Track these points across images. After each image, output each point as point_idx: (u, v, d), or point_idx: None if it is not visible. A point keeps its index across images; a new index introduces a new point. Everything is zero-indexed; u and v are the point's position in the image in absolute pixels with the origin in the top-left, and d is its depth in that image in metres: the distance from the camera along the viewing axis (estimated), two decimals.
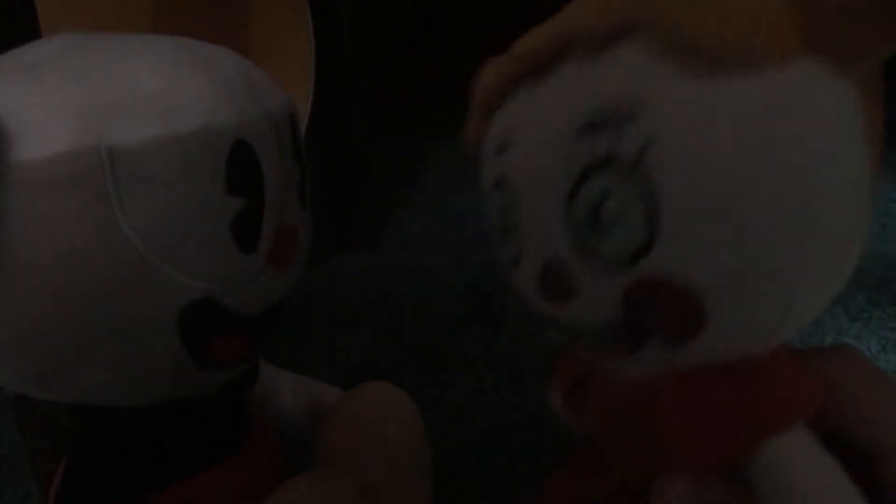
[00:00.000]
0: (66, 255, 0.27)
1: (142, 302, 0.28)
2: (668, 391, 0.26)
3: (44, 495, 0.43)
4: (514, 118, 0.28)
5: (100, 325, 0.28)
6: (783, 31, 0.22)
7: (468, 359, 0.62)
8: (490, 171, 0.29)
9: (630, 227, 0.23)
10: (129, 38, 0.31)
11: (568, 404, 0.31)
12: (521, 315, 0.30)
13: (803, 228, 0.23)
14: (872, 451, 0.25)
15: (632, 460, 0.28)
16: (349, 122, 0.78)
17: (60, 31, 0.32)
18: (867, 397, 0.26)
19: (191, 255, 0.29)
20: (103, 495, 0.33)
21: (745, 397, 0.25)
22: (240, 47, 0.34)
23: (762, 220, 0.22)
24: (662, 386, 0.26)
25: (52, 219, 0.26)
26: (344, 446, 0.38)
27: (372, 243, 0.80)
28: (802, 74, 0.22)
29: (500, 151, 0.28)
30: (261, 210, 0.31)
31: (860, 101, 0.23)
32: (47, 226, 0.26)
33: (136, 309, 0.28)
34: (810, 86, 0.22)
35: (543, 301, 0.27)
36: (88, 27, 0.32)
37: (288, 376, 0.45)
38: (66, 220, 0.26)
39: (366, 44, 0.79)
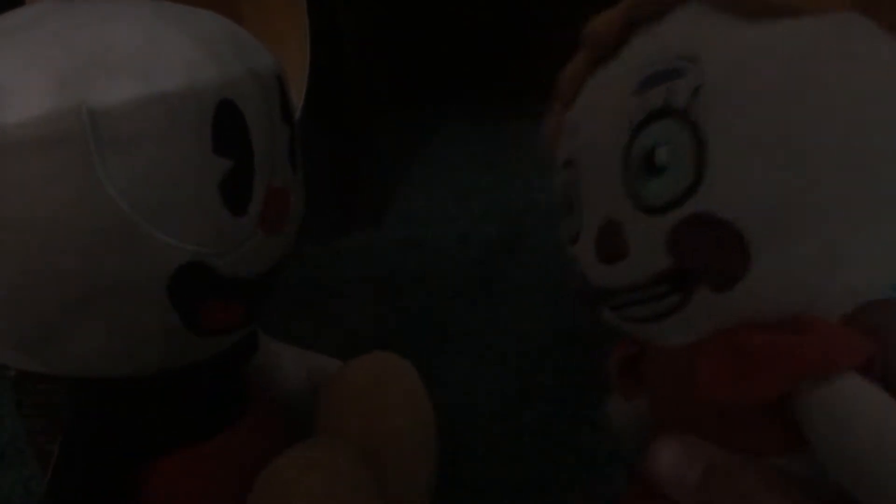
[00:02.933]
0: (50, 218, 0.26)
1: (129, 265, 0.28)
2: (707, 348, 0.26)
3: (45, 475, 0.42)
4: (583, 101, 0.29)
5: (86, 289, 0.27)
6: None
7: (474, 332, 0.62)
8: (561, 154, 0.31)
9: (678, 169, 0.24)
10: (108, 1, 0.31)
11: (622, 379, 0.31)
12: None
13: (847, 169, 0.23)
14: None
15: (682, 430, 0.28)
16: (351, 100, 0.77)
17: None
18: None
19: (179, 217, 0.28)
20: (102, 466, 0.32)
21: (780, 340, 0.24)
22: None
23: (803, 157, 0.23)
24: (706, 344, 0.26)
25: (34, 182, 0.26)
26: (344, 414, 0.38)
27: (376, 220, 0.80)
28: (847, 21, 0.23)
29: (571, 135, 0.29)
30: (250, 171, 0.31)
31: None
32: (29, 189, 0.26)
33: (124, 273, 0.28)
34: (850, 32, 0.23)
35: (600, 266, 0.28)
36: None
37: (290, 349, 0.45)
38: (48, 183, 0.26)
39: (366, 21, 0.79)
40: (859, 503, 0.22)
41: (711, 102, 0.24)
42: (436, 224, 0.78)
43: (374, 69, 0.81)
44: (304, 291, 0.67)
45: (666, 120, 0.25)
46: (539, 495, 0.46)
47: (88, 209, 0.26)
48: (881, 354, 0.24)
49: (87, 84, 0.26)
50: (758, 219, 0.23)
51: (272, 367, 0.43)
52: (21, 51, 0.27)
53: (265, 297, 0.35)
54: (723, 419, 0.26)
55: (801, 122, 0.23)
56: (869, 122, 0.23)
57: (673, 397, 0.28)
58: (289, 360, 0.44)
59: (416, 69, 0.94)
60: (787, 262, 0.24)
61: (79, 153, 0.26)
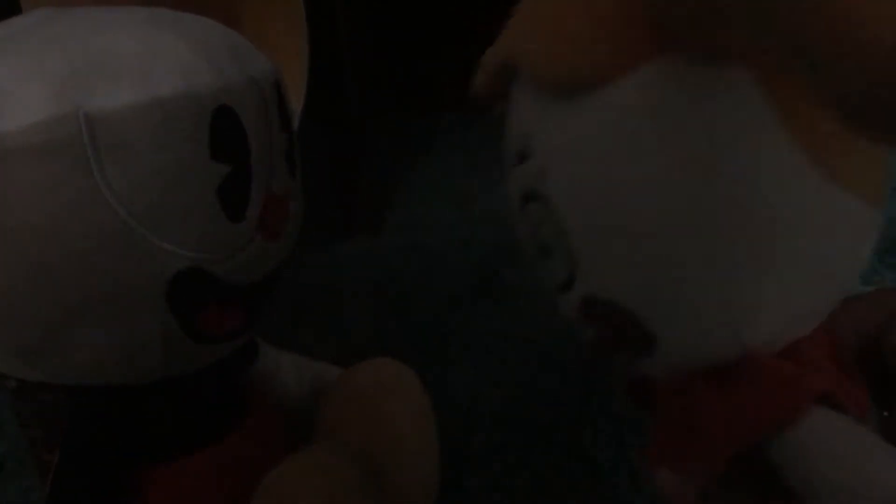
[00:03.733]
0: (48, 225, 0.26)
1: (128, 272, 0.27)
2: (664, 402, 0.26)
3: (45, 486, 0.42)
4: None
5: (84, 296, 0.27)
6: (628, 39, 0.22)
7: (476, 337, 0.61)
8: None
9: (558, 253, 0.25)
10: (105, 8, 0.31)
11: (633, 393, 0.31)
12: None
13: (710, 229, 0.22)
14: None
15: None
16: (350, 106, 0.77)
17: (40, 8, 0.31)
18: None
19: (177, 223, 0.28)
20: (101, 474, 0.32)
21: (732, 402, 0.24)
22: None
23: (661, 231, 0.22)
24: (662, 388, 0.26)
25: (31, 188, 0.26)
26: (346, 421, 0.38)
27: (376, 226, 0.79)
28: (655, 75, 0.21)
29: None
30: (248, 177, 0.31)
31: (765, 96, 0.21)
32: (26, 196, 0.26)
33: (123, 279, 0.28)
34: (665, 84, 0.21)
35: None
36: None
37: (290, 356, 0.45)
38: (45, 190, 0.26)
39: (366, 27, 0.79)
40: None
41: (556, 187, 0.23)
42: (436, 230, 0.78)
43: (373, 75, 0.81)
44: (305, 298, 0.67)
45: (534, 203, 0.25)
46: (542, 502, 0.46)
47: (86, 215, 0.26)
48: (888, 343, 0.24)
49: (85, 90, 0.26)
50: (640, 298, 0.23)
51: (272, 374, 0.43)
52: (18, 58, 0.27)
53: (264, 304, 0.35)
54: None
55: (644, 195, 0.22)
56: (712, 167, 0.21)
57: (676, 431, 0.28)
58: (289, 368, 0.44)
59: (416, 75, 0.94)
60: (691, 328, 0.23)
61: (76, 160, 0.26)
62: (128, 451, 0.33)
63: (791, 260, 0.23)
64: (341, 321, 0.65)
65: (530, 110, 0.25)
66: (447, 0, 0.93)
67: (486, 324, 0.63)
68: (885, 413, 0.27)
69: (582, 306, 0.25)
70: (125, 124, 0.26)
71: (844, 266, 0.24)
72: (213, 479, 0.34)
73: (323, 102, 0.71)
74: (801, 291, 0.24)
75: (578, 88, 0.22)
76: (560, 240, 0.24)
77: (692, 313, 0.23)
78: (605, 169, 0.22)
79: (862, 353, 0.26)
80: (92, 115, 0.26)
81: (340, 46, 0.73)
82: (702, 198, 0.21)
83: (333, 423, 0.38)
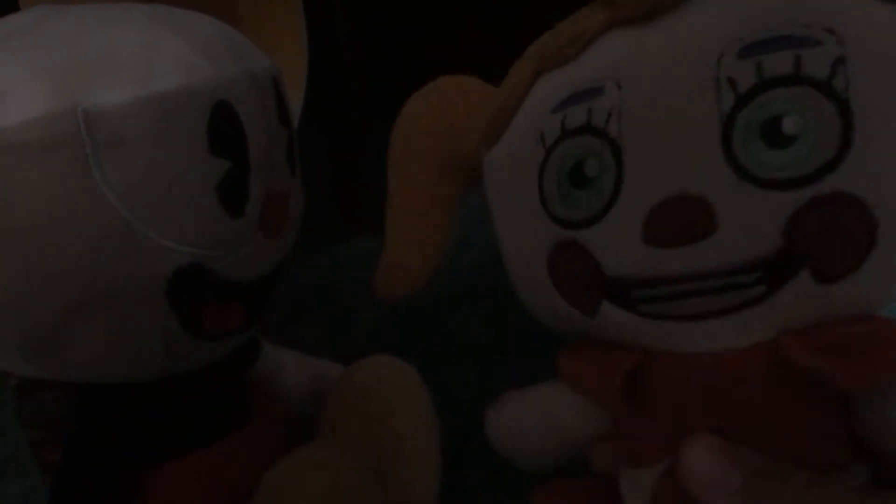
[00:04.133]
0: (47, 221, 0.26)
1: (127, 268, 0.27)
2: (788, 339, 0.24)
3: (47, 486, 0.42)
4: (614, 61, 0.26)
5: (84, 292, 0.27)
6: None
7: (476, 335, 0.61)
8: (553, 123, 0.27)
9: (816, 141, 0.22)
10: (103, 5, 0.31)
11: (627, 390, 0.28)
12: None
13: None
14: None
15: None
16: (350, 105, 0.77)
17: (38, 5, 0.31)
18: None
19: (176, 219, 0.28)
20: (104, 472, 0.32)
21: (875, 329, 0.23)
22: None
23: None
24: (753, 356, 0.25)
25: (31, 185, 0.26)
26: (347, 418, 0.38)
27: (376, 227, 0.79)
28: None
29: (584, 97, 0.26)
30: (247, 173, 0.31)
31: None
32: (26, 192, 0.26)
33: (122, 275, 0.27)
34: None
35: (648, 251, 0.25)
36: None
37: (292, 355, 0.45)
38: (44, 186, 0.26)
39: (365, 25, 0.79)
40: None
41: (860, 78, 0.22)
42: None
43: (374, 75, 0.81)
44: (306, 298, 0.67)
45: (797, 88, 0.22)
46: None
47: (85, 212, 0.26)
48: None
49: (83, 87, 0.26)
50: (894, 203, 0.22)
51: (274, 372, 0.43)
52: (17, 55, 0.27)
53: (266, 302, 0.35)
54: (766, 428, 0.25)
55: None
56: None
57: (703, 409, 0.26)
58: (291, 366, 0.44)
59: (416, 74, 0.94)
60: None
61: (75, 156, 0.26)
62: (130, 451, 0.33)
63: None
64: (342, 321, 0.65)
65: (604, 51, 0.25)
66: (450, 6, 0.93)
67: (487, 322, 0.63)
68: None
69: (812, 203, 0.22)
70: (123, 120, 0.26)
71: None
72: (215, 477, 0.34)
73: (323, 103, 0.71)
74: None
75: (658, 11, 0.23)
76: (831, 129, 0.22)
77: None
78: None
79: None
80: (90, 111, 0.26)
81: (340, 46, 0.73)
82: None
83: (334, 421, 0.38)
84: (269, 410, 0.39)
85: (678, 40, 0.25)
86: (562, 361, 0.30)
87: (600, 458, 0.33)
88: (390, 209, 0.36)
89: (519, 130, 0.29)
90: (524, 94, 0.29)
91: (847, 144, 0.22)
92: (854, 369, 0.22)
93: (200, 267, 0.29)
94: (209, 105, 0.29)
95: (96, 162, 0.26)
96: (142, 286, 0.28)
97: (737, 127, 0.23)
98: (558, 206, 0.27)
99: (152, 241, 0.27)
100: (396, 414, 0.38)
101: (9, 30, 0.28)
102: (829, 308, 0.23)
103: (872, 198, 0.22)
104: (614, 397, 0.27)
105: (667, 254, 0.24)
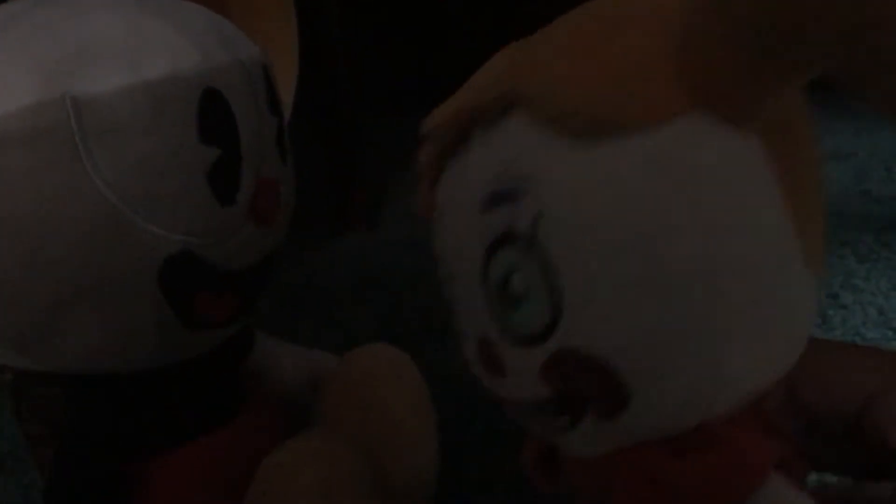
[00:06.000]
0: (37, 210, 0.26)
1: (119, 256, 0.27)
2: (622, 472, 0.25)
3: (44, 481, 0.42)
4: (442, 190, 0.27)
5: (77, 281, 0.27)
6: (664, 90, 0.21)
7: None
8: (435, 244, 0.29)
9: (536, 302, 0.23)
10: None
11: (540, 470, 0.30)
12: None
13: (707, 293, 0.21)
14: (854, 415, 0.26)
15: None
16: (341, 103, 0.77)
17: None
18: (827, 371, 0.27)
19: (166, 207, 0.28)
20: (100, 463, 0.32)
21: (693, 467, 0.24)
22: None
23: (659, 288, 0.21)
24: (618, 462, 0.25)
25: (21, 173, 0.26)
26: (344, 408, 0.38)
27: (371, 222, 0.79)
28: (685, 131, 0.21)
29: (438, 226, 0.28)
30: (238, 160, 0.31)
31: (767, 151, 0.21)
32: (15, 181, 0.26)
33: (114, 263, 0.28)
34: (694, 141, 0.21)
35: (487, 376, 0.27)
36: None
37: (287, 346, 0.45)
38: (34, 175, 0.26)
39: (358, 21, 0.79)
40: None
41: (556, 231, 0.22)
42: (430, 223, 0.78)
43: (367, 70, 0.81)
44: (302, 292, 0.67)
45: (512, 247, 0.23)
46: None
47: (75, 200, 0.26)
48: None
49: (72, 75, 0.26)
50: (627, 357, 0.22)
51: (270, 364, 0.42)
52: (6, 44, 0.27)
53: (258, 291, 0.35)
54: None
55: (650, 249, 0.21)
56: (724, 239, 0.21)
57: (596, 498, 0.27)
58: (286, 358, 0.44)
59: (408, 69, 0.94)
60: (670, 393, 0.23)
61: (64, 144, 0.26)
62: (126, 442, 0.33)
63: (765, 329, 0.23)
64: (339, 314, 0.65)
65: (527, 152, 0.23)
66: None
67: None
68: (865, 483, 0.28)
69: (551, 360, 0.23)
70: (112, 108, 0.26)
71: (802, 331, 0.24)
72: (210, 466, 0.34)
73: (317, 98, 0.71)
74: (769, 357, 0.24)
75: (603, 134, 0.21)
76: (543, 288, 0.22)
77: (676, 376, 0.22)
78: (620, 218, 0.21)
79: (846, 431, 0.26)
80: (79, 99, 0.26)
81: (333, 41, 0.73)
82: (704, 260, 0.21)
83: (330, 410, 0.38)
84: (264, 401, 0.39)
85: (458, 179, 0.26)
86: None
87: None
88: None
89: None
90: None
91: (558, 306, 0.22)
92: None
93: (192, 255, 0.29)
94: (198, 92, 0.29)
95: (86, 150, 0.26)
96: (133, 274, 0.28)
97: (489, 283, 0.24)
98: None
99: (143, 228, 0.27)
100: (393, 402, 0.38)
101: None
102: (640, 430, 0.24)
103: (600, 354, 0.22)
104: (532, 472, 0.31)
105: (492, 381, 0.26)
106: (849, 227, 0.66)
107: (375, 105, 0.84)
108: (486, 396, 0.51)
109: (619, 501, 0.26)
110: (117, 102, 0.26)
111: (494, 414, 0.50)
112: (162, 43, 0.28)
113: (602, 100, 0.21)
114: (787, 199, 0.22)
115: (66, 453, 0.33)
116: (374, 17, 0.88)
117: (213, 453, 0.34)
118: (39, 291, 0.27)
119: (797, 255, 0.22)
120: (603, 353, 0.22)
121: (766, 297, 0.22)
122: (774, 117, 0.21)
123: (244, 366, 0.39)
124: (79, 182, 0.26)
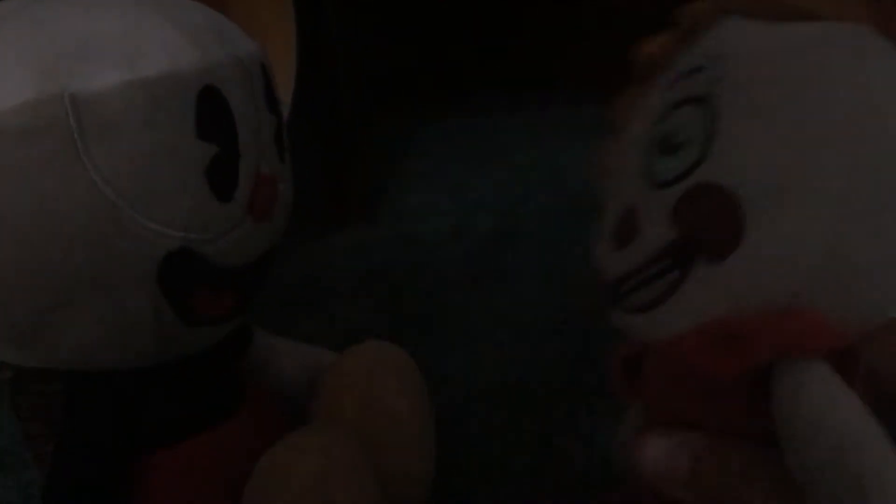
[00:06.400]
0: (35, 207, 0.26)
1: (117, 253, 0.28)
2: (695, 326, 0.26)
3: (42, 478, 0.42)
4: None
5: (75, 278, 0.27)
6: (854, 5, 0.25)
7: (470, 323, 0.61)
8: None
9: (690, 147, 0.26)
10: None
11: (620, 380, 0.31)
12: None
13: (847, 166, 0.23)
14: None
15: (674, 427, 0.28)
16: (340, 96, 0.77)
17: None
18: None
19: (165, 204, 0.28)
20: (98, 460, 0.32)
21: (760, 319, 0.24)
22: None
23: (808, 142, 0.24)
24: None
25: (18, 170, 0.26)
26: (341, 404, 0.38)
27: (369, 217, 0.80)
28: (858, 34, 0.25)
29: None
30: (236, 157, 0.31)
31: None
32: (13, 178, 0.26)
33: (113, 260, 0.28)
34: (864, 41, 0.24)
35: (615, 255, 0.28)
36: None
37: (285, 342, 0.45)
38: (32, 171, 0.26)
39: (355, 17, 0.79)
40: None
41: (729, 88, 0.25)
42: (429, 218, 0.78)
43: (363, 65, 0.80)
44: (299, 288, 0.67)
45: (686, 107, 0.26)
46: (539, 481, 0.46)
47: (73, 197, 0.26)
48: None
49: (70, 72, 0.26)
50: (756, 189, 0.24)
51: (268, 360, 0.43)
52: (3, 40, 0.27)
53: (256, 287, 0.35)
54: (712, 410, 0.26)
55: (807, 110, 0.24)
56: (873, 127, 0.23)
57: (666, 393, 0.28)
58: (284, 354, 0.44)
59: (406, 64, 0.94)
60: (779, 238, 0.24)
61: (62, 141, 0.26)
62: (124, 438, 0.33)
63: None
64: (336, 310, 0.65)
65: (720, 38, 0.27)
66: None
67: (481, 309, 0.63)
68: None
69: (685, 196, 0.26)
70: (111, 105, 0.26)
71: None
72: (209, 464, 0.34)
73: (313, 94, 0.71)
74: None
75: (790, 18, 0.25)
76: (701, 133, 0.25)
77: (796, 225, 0.24)
78: (789, 75, 0.24)
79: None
80: (77, 96, 0.26)
81: (331, 37, 0.73)
82: (861, 143, 0.23)
83: (328, 406, 0.38)
84: (262, 397, 0.39)
85: (654, 89, 0.30)
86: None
87: None
88: None
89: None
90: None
91: (710, 138, 0.25)
92: (726, 362, 0.24)
93: (191, 251, 0.29)
94: (196, 89, 0.29)
95: (84, 147, 0.26)
96: (131, 271, 0.28)
97: (652, 144, 0.27)
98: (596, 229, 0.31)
99: (142, 225, 0.28)
100: (390, 398, 0.38)
101: None
102: (738, 285, 0.25)
103: (732, 185, 0.25)
104: (618, 385, 0.30)
105: (618, 255, 0.28)
106: None
107: (374, 101, 0.84)
108: (485, 392, 0.51)
109: (685, 348, 0.26)
110: (115, 99, 0.26)
111: (492, 411, 0.51)
112: (160, 40, 0.28)
113: None
114: None
115: (65, 450, 0.33)
116: (373, 14, 0.88)
117: (212, 450, 0.34)
118: (37, 287, 0.27)
119: None
120: (733, 183, 0.24)
121: None
122: None
123: (242, 362, 0.39)
124: (77, 179, 0.26)
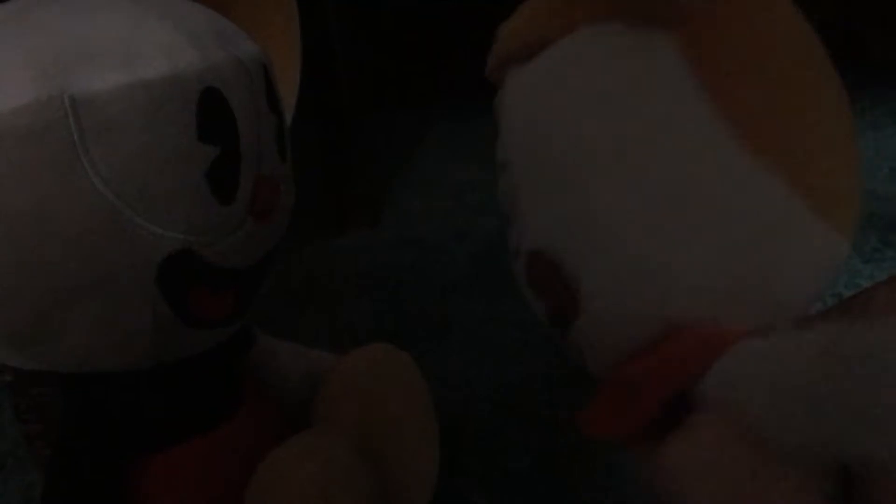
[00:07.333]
0: (35, 208, 0.26)
1: (117, 254, 0.27)
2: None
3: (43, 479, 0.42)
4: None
5: (75, 280, 0.27)
6: (567, 8, 0.25)
7: (472, 324, 0.61)
8: None
9: (514, 215, 0.27)
10: None
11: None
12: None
13: (621, 183, 0.23)
14: None
15: None
16: (344, 100, 0.77)
17: None
18: None
19: (165, 206, 0.28)
20: (97, 461, 0.32)
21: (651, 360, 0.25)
22: None
23: (584, 179, 0.24)
24: None
25: (19, 172, 0.26)
26: (343, 406, 0.38)
27: (373, 220, 0.80)
28: (592, 36, 0.24)
29: None
30: (236, 159, 0.30)
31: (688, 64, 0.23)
32: (14, 179, 0.26)
33: (112, 262, 0.27)
34: (600, 43, 0.24)
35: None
36: None
37: (287, 345, 0.44)
38: (32, 173, 0.26)
39: (358, 20, 0.79)
40: None
41: (513, 150, 0.26)
42: (432, 220, 0.78)
43: (366, 69, 0.81)
44: (303, 290, 0.67)
45: (503, 173, 0.27)
46: (541, 484, 0.46)
47: (73, 198, 0.26)
48: None
49: (70, 73, 0.26)
50: (564, 245, 0.24)
51: (269, 362, 0.42)
52: (3, 43, 0.27)
53: (257, 289, 0.35)
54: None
55: (572, 148, 0.24)
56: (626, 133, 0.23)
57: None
58: (286, 356, 0.44)
59: (409, 68, 0.94)
60: (614, 290, 0.24)
61: (62, 142, 0.26)
62: (124, 440, 0.33)
63: (705, 231, 0.23)
64: (340, 312, 0.65)
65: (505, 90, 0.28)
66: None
67: (483, 311, 0.63)
68: None
69: (527, 266, 0.26)
70: (111, 107, 0.26)
71: (773, 258, 0.24)
72: (209, 465, 0.34)
73: (316, 97, 0.71)
74: (719, 269, 0.24)
75: (529, 53, 0.25)
76: (514, 201, 0.26)
77: (615, 270, 0.24)
78: (545, 121, 0.25)
79: None
80: (77, 97, 0.26)
81: (332, 41, 0.73)
82: (621, 154, 0.23)
83: (330, 409, 0.38)
84: (262, 399, 0.39)
85: None
86: None
87: None
88: None
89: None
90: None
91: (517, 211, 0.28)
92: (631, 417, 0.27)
93: (191, 253, 0.29)
94: (197, 91, 0.28)
95: (84, 148, 0.26)
96: (132, 273, 0.28)
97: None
98: None
99: (141, 227, 0.27)
100: (392, 401, 0.38)
101: None
102: (604, 342, 0.27)
103: (546, 248, 0.26)
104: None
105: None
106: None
107: (376, 104, 0.84)
108: (487, 393, 0.51)
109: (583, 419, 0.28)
110: (116, 101, 0.26)
111: (494, 412, 0.51)
112: (161, 42, 0.28)
113: (523, 27, 0.26)
114: (716, 97, 0.23)
115: (65, 451, 0.33)
116: (378, 19, 0.88)
117: (211, 451, 0.34)
118: (37, 290, 0.27)
119: (734, 153, 0.23)
120: (550, 246, 0.25)
121: (693, 193, 0.23)
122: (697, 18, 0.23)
123: (243, 364, 0.39)
124: (77, 180, 0.26)
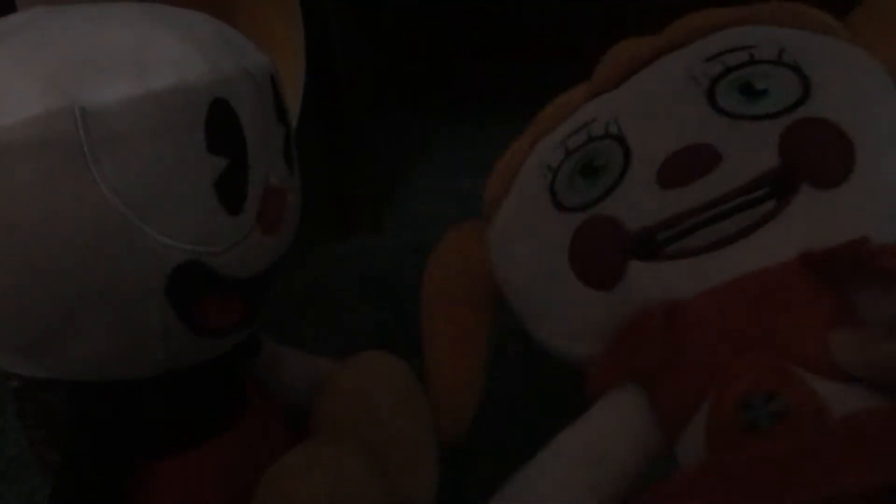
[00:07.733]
0: (45, 219, 0.26)
1: (127, 265, 0.28)
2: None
3: (48, 485, 0.42)
4: (597, 107, 0.36)
5: (84, 290, 0.27)
6: None
7: None
8: (557, 153, 0.36)
9: (782, 90, 0.30)
10: (98, 5, 0.31)
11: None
12: None
13: None
14: None
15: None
16: (347, 105, 0.78)
17: (35, 6, 0.31)
18: None
19: (174, 217, 0.28)
20: (103, 469, 0.32)
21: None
22: None
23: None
24: (781, 272, 0.28)
25: (29, 183, 0.26)
26: (342, 415, 0.38)
27: (375, 225, 0.80)
28: None
29: (580, 129, 0.35)
30: (245, 170, 0.31)
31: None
32: (24, 190, 0.26)
33: (122, 273, 0.28)
34: None
35: (667, 194, 0.30)
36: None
37: (291, 352, 0.45)
38: (42, 184, 0.26)
39: (362, 25, 0.79)
40: None
41: (799, 55, 0.30)
42: (435, 227, 0.78)
43: (369, 74, 0.81)
44: (305, 295, 0.67)
45: (758, 66, 0.30)
46: None
47: (83, 210, 0.26)
48: None
49: (80, 85, 0.26)
50: (862, 125, 0.28)
51: (274, 369, 0.43)
52: (13, 54, 0.27)
53: (265, 298, 0.35)
54: (799, 339, 0.28)
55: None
56: None
57: (738, 333, 0.29)
58: (291, 364, 0.44)
59: (412, 73, 0.94)
60: (889, 171, 0.27)
61: (72, 154, 0.26)
62: (130, 447, 0.33)
63: None
64: (342, 318, 0.65)
65: (586, 109, 0.36)
66: (446, 4, 0.93)
67: None
68: None
69: (794, 127, 0.28)
70: (120, 118, 0.26)
71: None
72: (214, 472, 0.34)
73: (319, 102, 0.71)
74: None
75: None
76: (791, 80, 0.29)
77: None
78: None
79: None
80: (87, 109, 0.26)
81: (334, 46, 0.73)
82: None
83: (329, 417, 0.38)
84: (268, 407, 0.39)
85: (659, 70, 0.35)
86: (592, 371, 0.34)
87: None
88: (429, 350, 0.41)
89: (522, 178, 0.38)
90: (522, 161, 0.38)
91: (807, 87, 0.29)
92: None
93: (200, 264, 0.29)
94: (206, 103, 0.29)
95: (94, 160, 0.26)
96: (141, 283, 0.28)
97: (718, 94, 0.31)
98: (575, 196, 0.33)
99: (151, 238, 0.28)
100: (390, 409, 0.38)
101: (5, 30, 0.28)
102: (835, 220, 0.27)
103: (842, 120, 0.28)
104: (654, 346, 0.30)
105: (681, 192, 0.30)
106: None
107: (376, 104, 0.84)
108: (489, 398, 0.51)
109: None
110: (125, 113, 0.26)
111: (495, 420, 0.50)
112: (169, 53, 0.28)
113: None
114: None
115: (71, 458, 0.33)
116: (380, 24, 0.88)
117: (217, 459, 0.34)
118: (47, 299, 0.27)
119: None
120: (844, 121, 0.28)
121: None
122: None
123: (249, 371, 0.39)
124: (87, 191, 0.26)
